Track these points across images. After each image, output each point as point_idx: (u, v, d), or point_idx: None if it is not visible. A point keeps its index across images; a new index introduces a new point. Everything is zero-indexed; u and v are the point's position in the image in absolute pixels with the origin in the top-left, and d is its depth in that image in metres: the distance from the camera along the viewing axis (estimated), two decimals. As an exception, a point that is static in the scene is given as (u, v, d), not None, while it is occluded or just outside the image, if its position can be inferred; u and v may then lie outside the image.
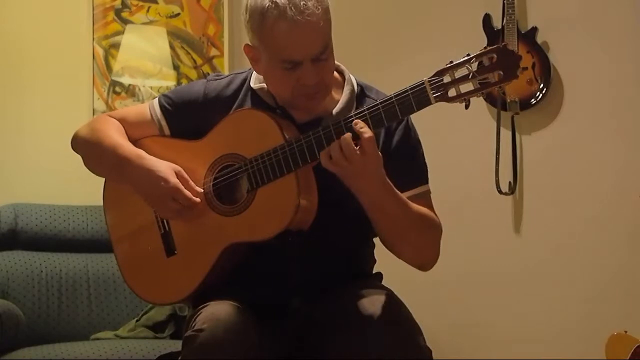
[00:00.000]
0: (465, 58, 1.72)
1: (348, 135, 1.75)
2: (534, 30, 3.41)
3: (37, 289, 3.46)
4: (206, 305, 1.80)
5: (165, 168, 1.92)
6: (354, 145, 1.74)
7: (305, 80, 1.84)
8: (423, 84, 1.74)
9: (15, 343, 3.15)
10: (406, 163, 1.93)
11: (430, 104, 1.75)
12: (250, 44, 1.90)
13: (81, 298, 3.52)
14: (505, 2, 3.40)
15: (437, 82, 1.73)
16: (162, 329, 3.42)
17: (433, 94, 1.74)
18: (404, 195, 1.86)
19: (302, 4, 1.78)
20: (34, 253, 3.56)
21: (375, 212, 1.84)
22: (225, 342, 1.72)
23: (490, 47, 1.72)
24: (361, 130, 1.75)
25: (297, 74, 1.84)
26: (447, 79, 1.73)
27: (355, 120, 1.77)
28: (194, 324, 1.76)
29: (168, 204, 1.90)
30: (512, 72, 1.71)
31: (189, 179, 1.92)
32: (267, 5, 1.80)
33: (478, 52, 1.72)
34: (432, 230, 1.93)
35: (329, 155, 1.76)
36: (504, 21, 3.41)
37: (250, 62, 1.95)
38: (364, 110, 1.79)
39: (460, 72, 1.73)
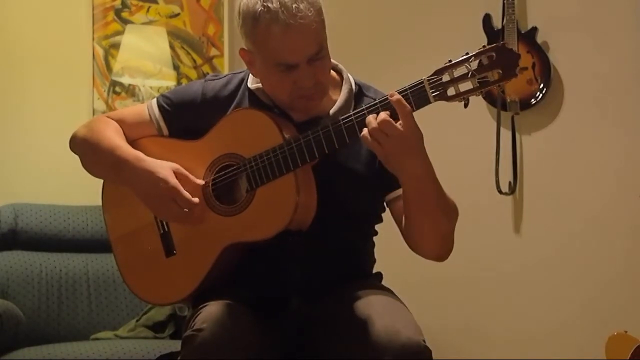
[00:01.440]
0: (464, 57, 1.72)
1: (384, 113, 1.72)
2: (534, 30, 3.41)
3: (37, 289, 3.46)
4: (205, 305, 1.80)
5: (164, 169, 1.90)
6: (391, 120, 1.71)
7: (302, 82, 1.84)
8: (422, 83, 1.74)
9: (15, 343, 3.15)
10: None
11: (430, 103, 1.74)
12: (245, 48, 1.90)
13: (81, 298, 3.52)
14: (505, 2, 3.40)
15: (436, 81, 1.73)
16: (162, 329, 3.43)
17: (432, 93, 1.73)
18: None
19: (294, 6, 1.77)
20: (33, 253, 3.56)
21: (416, 194, 1.80)
22: (224, 342, 1.72)
23: (489, 46, 1.71)
24: (401, 110, 1.71)
25: (293, 76, 1.83)
26: (446, 77, 1.72)
27: (393, 98, 1.72)
28: (193, 324, 1.76)
29: (168, 205, 1.89)
30: (511, 70, 1.70)
31: (188, 174, 1.91)
32: (259, 10, 1.79)
33: (477, 51, 1.71)
34: (456, 217, 1.92)
35: (369, 132, 1.73)
36: (504, 21, 3.41)
37: (246, 65, 1.95)
38: (363, 109, 1.78)
39: (459, 71, 1.72)
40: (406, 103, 1.72)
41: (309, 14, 1.79)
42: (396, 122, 1.72)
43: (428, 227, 1.86)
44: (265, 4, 1.79)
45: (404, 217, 1.89)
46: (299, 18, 1.77)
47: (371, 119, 1.73)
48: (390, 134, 1.71)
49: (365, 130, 1.74)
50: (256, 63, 1.89)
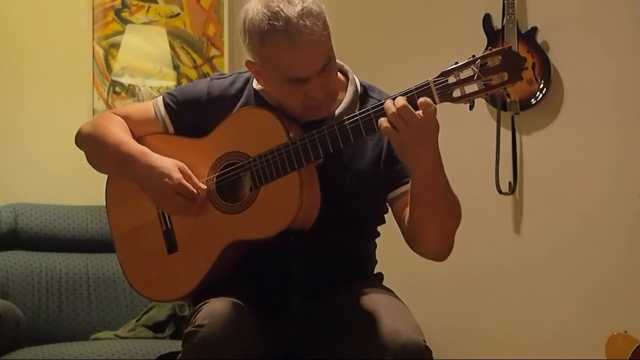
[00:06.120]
0: (471, 59, 1.72)
1: (402, 98, 1.72)
2: (534, 30, 3.41)
3: (37, 289, 3.46)
4: (207, 302, 1.80)
5: (168, 164, 1.91)
6: (412, 108, 1.70)
7: (314, 93, 1.84)
8: (428, 84, 1.74)
9: (15, 343, 3.15)
10: None
11: (435, 104, 1.73)
12: (252, 60, 1.89)
13: (81, 298, 3.52)
14: (505, 2, 3.40)
15: (442, 82, 1.73)
16: (162, 329, 3.43)
17: (438, 94, 1.73)
18: (408, 186, 1.85)
19: (300, 23, 1.76)
20: (34, 253, 3.57)
21: (424, 189, 1.79)
22: (225, 338, 1.72)
23: (496, 49, 1.71)
24: (421, 100, 1.71)
25: (304, 88, 1.83)
26: (452, 79, 1.72)
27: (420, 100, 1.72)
28: (194, 320, 1.77)
29: (172, 199, 1.90)
30: (517, 74, 1.70)
31: (192, 175, 1.92)
32: (265, 28, 1.79)
33: (483, 54, 1.72)
34: (460, 217, 1.91)
35: (387, 118, 1.72)
36: (504, 21, 3.41)
37: (253, 75, 1.95)
38: (369, 110, 1.78)
39: (465, 73, 1.72)
40: (432, 102, 1.71)
41: (316, 29, 1.78)
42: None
43: (433, 224, 1.85)
44: (271, 22, 1.78)
45: (407, 215, 1.88)
46: (306, 34, 1.77)
47: (390, 105, 1.72)
48: (408, 121, 1.70)
49: (382, 119, 1.73)
50: (264, 75, 1.89)
